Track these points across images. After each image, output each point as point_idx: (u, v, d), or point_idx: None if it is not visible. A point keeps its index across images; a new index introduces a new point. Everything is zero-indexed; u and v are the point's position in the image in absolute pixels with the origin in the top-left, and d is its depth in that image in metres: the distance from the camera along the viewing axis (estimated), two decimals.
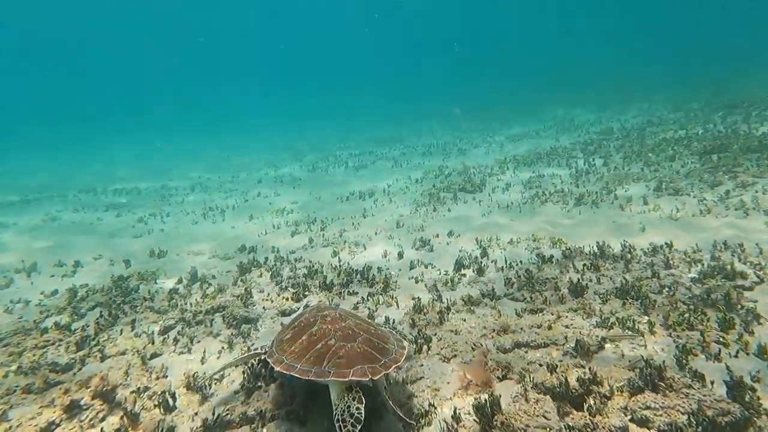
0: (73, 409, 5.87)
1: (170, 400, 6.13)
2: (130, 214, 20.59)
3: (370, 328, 5.73)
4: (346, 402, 4.76)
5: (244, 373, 6.51)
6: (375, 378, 4.82)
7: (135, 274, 11.74)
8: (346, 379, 4.74)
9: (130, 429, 5.71)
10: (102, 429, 5.53)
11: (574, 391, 5.04)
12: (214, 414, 5.74)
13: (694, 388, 4.66)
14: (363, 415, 4.62)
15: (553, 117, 37.19)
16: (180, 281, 11.31)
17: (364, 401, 4.76)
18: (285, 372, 5.25)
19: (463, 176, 20.58)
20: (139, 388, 6.46)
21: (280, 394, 6.07)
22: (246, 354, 6.60)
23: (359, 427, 4.52)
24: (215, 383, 6.70)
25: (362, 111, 66.79)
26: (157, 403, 6.10)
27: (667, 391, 4.70)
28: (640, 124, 26.05)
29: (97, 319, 9.13)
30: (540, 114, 39.72)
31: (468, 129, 38.55)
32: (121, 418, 5.70)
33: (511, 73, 77.49)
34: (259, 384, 6.29)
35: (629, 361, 5.81)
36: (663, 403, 4.61)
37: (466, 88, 69.52)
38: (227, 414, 5.77)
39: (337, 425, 4.61)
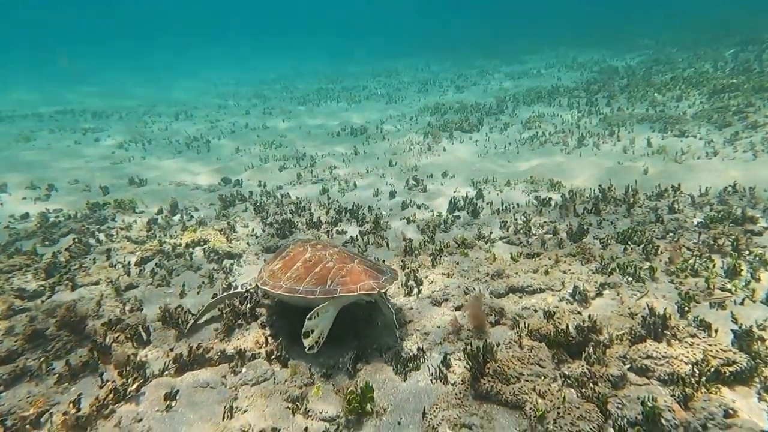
0: (36, 339, 5.52)
1: (144, 334, 5.80)
2: (109, 139, 19.62)
3: (360, 255, 5.83)
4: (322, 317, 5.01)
5: (222, 310, 6.17)
6: (383, 291, 5.05)
7: (112, 201, 11.16)
8: (356, 294, 4.88)
9: (100, 362, 5.40)
10: (68, 361, 5.20)
11: (571, 339, 4.76)
12: (190, 351, 5.43)
13: (699, 338, 4.38)
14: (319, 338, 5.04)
15: (555, 55, 35.62)
16: (160, 212, 10.78)
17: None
18: (287, 294, 5.14)
19: (460, 115, 19.74)
20: (111, 320, 6.09)
21: (261, 333, 5.76)
22: (225, 294, 6.27)
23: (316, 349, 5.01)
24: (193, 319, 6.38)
25: (357, 43, 63.85)
26: (129, 336, 5.77)
27: (671, 340, 4.42)
28: (646, 63, 24.92)
29: (70, 246, 8.65)
30: (542, 52, 38.03)
31: (466, 66, 36.91)
32: (90, 350, 5.35)
33: (512, 9, 73.45)
34: (240, 322, 5.96)
35: (629, 308, 5.53)
36: (665, 352, 4.34)
37: (466, 24, 66.23)
38: (204, 351, 5.47)
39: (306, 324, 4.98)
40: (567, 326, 4.83)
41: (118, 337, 5.73)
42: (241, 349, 5.47)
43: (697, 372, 4.03)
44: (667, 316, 4.59)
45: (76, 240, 8.83)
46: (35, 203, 11.63)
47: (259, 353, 5.47)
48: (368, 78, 36.67)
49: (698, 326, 4.85)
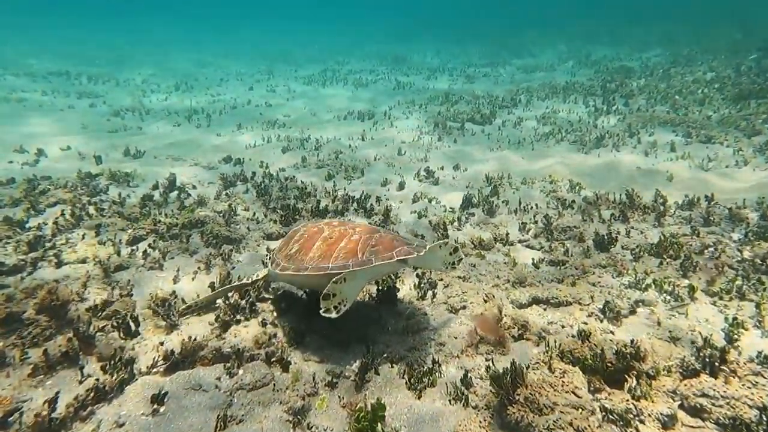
0: (11, 323, 4.96)
1: (132, 324, 5.24)
2: (105, 106, 18.81)
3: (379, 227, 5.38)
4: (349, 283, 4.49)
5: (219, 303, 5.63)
6: (421, 254, 4.57)
7: (106, 172, 10.48)
8: (394, 260, 4.46)
9: (82, 353, 4.85)
10: (46, 350, 4.64)
11: (609, 365, 4.25)
12: (182, 346, 4.88)
13: (765, 377, 3.88)
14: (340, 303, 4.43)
15: (567, 49, 34.80)
16: (156, 187, 10.15)
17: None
18: (315, 273, 4.59)
19: (472, 105, 19.07)
20: (96, 305, 5.53)
21: (261, 332, 5.23)
22: (229, 285, 5.75)
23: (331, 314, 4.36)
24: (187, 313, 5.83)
25: (364, 25, 62.57)
26: (116, 324, 5.19)
27: (730, 377, 3.92)
28: (663, 63, 24.23)
29: (57, 218, 8.04)
30: (553, 45, 37.18)
31: (476, 55, 36.10)
32: (68, 340, 4.78)
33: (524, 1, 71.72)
34: (238, 318, 5.42)
35: (669, 331, 5.02)
36: (724, 391, 3.84)
37: (477, 13, 64.84)
38: (198, 348, 4.92)
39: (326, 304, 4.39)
40: (601, 350, 4.32)
41: (104, 326, 5.17)
42: (238, 348, 4.95)
43: (765, 419, 3.53)
44: (726, 349, 4.07)
45: (64, 212, 8.22)
46: (22, 168, 10.96)
47: (259, 354, 4.95)
48: (375, 61, 35.75)
49: (763, 363, 4.31)
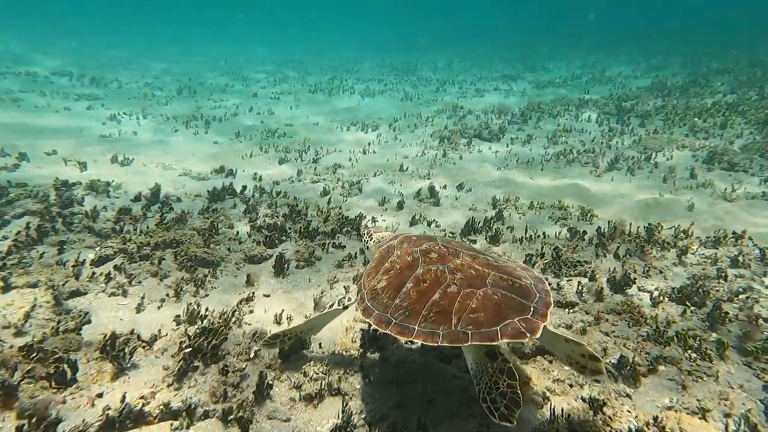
0: None
1: (69, 370, 4.50)
2: (102, 109, 18.35)
3: (488, 260, 4.12)
4: (491, 375, 3.39)
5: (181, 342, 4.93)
6: (536, 337, 3.37)
7: (86, 181, 9.85)
8: (497, 343, 3.34)
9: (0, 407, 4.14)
10: None
11: None
12: (122, 401, 4.16)
13: None
14: (520, 395, 3.26)
15: (582, 65, 34.06)
16: (137, 198, 9.54)
17: (516, 376, 3.36)
18: (397, 336, 3.72)
19: (480, 120, 18.38)
20: (32, 344, 4.78)
21: (221, 381, 4.51)
22: (323, 312, 4.76)
23: (518, 412, 3.18)
24: (143, 348, 5.11)
25: (374, 34, 62.50)
26: (49, 372, 4.43)
27: None
28: (681, 82, 23.37)
29: (19, 231, 7.40)
30: (568, 58, 36.50)
31: (488, 68, 35.43)
32: None
33: (535, 13, 71.15)
34: (196, 364, 4.70)
35: (697, 399, 4.23)
36: None
37: (493, 25, 64.52)
38: (142, 402, 4.21)
39: (484, 406, 3.30)
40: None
41: (32, 369, 4.44)
42: (191, 402, 4.23)
43: None
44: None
45: (30, 224, 7.59)
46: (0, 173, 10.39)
47: (214, 411, 4.23)
48: (385, 70, 35.26)
49: None
